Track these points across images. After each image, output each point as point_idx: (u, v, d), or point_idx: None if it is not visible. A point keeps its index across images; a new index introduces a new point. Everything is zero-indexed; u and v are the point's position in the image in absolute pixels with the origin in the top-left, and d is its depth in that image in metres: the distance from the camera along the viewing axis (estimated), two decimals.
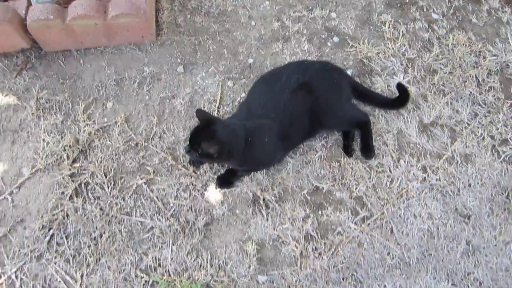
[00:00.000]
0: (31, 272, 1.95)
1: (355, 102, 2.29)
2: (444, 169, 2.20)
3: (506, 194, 2.16)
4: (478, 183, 2.18)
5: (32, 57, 2.42)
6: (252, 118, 1.99)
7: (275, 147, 2.05)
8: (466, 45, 2.53)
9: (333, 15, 2.62)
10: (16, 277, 1.94)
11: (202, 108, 2.28)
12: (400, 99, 2.32)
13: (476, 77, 2.44)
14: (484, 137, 2.28)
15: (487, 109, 2.36)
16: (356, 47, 2.52)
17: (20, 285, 1.92)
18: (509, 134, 2.28)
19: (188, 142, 1.86)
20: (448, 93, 2.39)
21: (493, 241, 2.06)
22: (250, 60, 2.47)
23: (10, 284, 1.93)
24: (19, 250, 1.99)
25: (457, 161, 2.22)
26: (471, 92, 2.39)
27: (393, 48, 2.51)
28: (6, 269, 1.95)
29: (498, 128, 2.30)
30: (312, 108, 2.04)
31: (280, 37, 2.54)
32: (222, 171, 2.15)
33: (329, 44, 2.53)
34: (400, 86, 2.31)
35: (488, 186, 2.17)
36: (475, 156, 2.24)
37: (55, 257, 1.98)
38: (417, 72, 2.44)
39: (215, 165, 2.17)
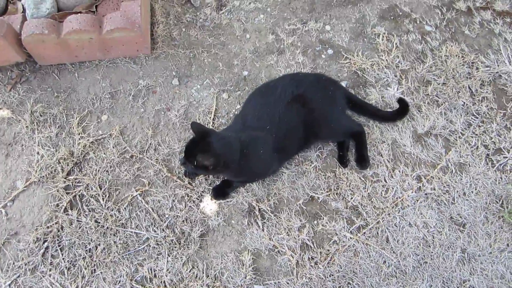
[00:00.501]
0: (26, 285, 2.08)
1: (349, 113, 2.47)
2: (439, 178, 2.36)
3: (501, 202, 2.32)
4: (472, 192, 2.34)
5: (27, 71, 2.59)
6: (248, 130, 2.15)
7: (270, 158, 2.21)
8: (459, 56, 2.73)
9: (327, 27, 2.83)
10: None
11: (197, 121, 2.45)
12: (398, 113, 2.50)
13: (469, 87, 2.63)
14: (478, 147, 2.45)
15: (481, 119, 2.54)
16: (350, 59, 2.71)
17: None
18: (502, 144, 2.46)
19: (183, 155, 2.01)
20: (442, 104, 2.57)
21: (488, 249, 2.21)
22: (245, 73, 2.65)
23: None
24: (13, 263, 2.12)
25: (452, 170, 2.38)
26: (464, 103, 2.58)
27: (387, 60, 2.70)
28: (0, 282, 2.07)
29: (491, 138, 2.48)
30: (307, 119, 2.21)
31: (275, 50, 2.73)
32: (218, 182, 2.30)
33: (323, 56, 2.73)
34: (401, 101, 2.50)
35: (482, 194, 2.33)
36: (469, 165, 2.40)
37: (50, 270, 2.10)
38: (411, 83, 2.63)
39: (211, 176, 2.32)
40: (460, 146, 2.45)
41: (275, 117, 2.14)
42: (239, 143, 2.04)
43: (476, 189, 2.35)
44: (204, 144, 1.95)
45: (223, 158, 1.95)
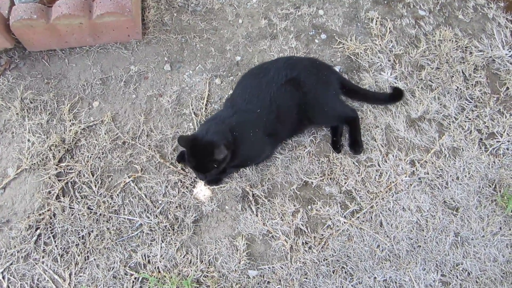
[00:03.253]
0: (19, 272, 2.08)
1: (343, 98, 2.47)
2: (432, 163, 2.38)
3: (494, 186, 2.35)
4: (466, 176, 2.36)
5: (16, 57, 2.56)
6: (237, 113, 2.15)
7: (262, 142, 2.21)
8: (452, 41, 2.74)
9: (321, 12, 2.82)
10: (3, 277, 2.06)
11: (190, 106, 2.45)
12: (392, 96, 2.52)
13: (463, 72, 2.65)
14: (471, 131, 2.47)
15: (474, 104, 2.55)
16: (343, 44, 2.71)
17: (8, 286, 2.04)
18: (496, 128, 2.48)
19: (197, 171, 2.05)
20: (436, 88, 2.58)
21: (481, 232, 2.24)
22: (238, 58, 2.64)
23: None
24: (6, 251, 2.11)
25: (445, 154, 2.40)
26: (458, 87, 2.59)
27: (380, 45, 2.71)
28: None
29: (485, 122, 2.50)
30: (300, 103, 2.21)
31: (268, 35, 2.72)
32: None
33: (316, 41, 2.72)
34: (396, 89, 2.52)
35: (475, 178, 2.36)
36: (463, 150, 2.42)
37: (43, 257, 2.10)
38: (405, 68, 2.63)
39: None
40: (453, 130, 2.47)
41: (266, 100, 2.14)
42: (225, 126, 2.06)
43: (469, 173, 2.37)
44: (205, 145, 1.96)
45: (226, 139, 1.98)
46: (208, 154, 1.94)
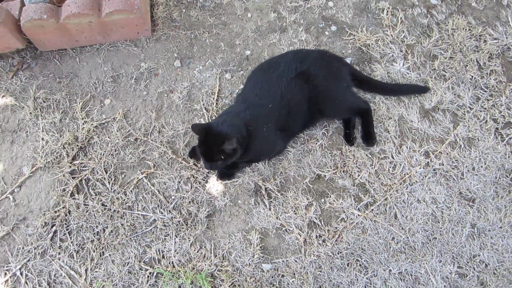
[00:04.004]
0: (36, 268, 2.12)
1: (355, 90, 2.46)
2: (447, 154, 2.36)
3: (511, 176, 2.31)
4: (482, 167, 2.33)
5: (28, 57, 2.60)
6: (249, 108, 2.14)
7: (274, 137, 2.21)
8: (466, 29, 2.70)
9: (330, 4, 2.80)
10: (21, 274, 2.11)
11: (200, 102, 2.46)
12: (408, 86, 2.52)
13: (477, 61, 2.61)
14: (487, 121, 2.44)
15: (489, 93, 2.52)
16: (354, 35, 2.69)
17: (26, 282, 2.09)
18: None
19: (205, 160, 2.03)
20: (449, 78, 2.55)
21: (499, 223, 2.22)
22: (248, 52, 2.64)
23: (15, 281, 2.10)
24: (23, 248, 2.16)
25: (460, 145, 2.38)
26: (472, 76, 2.56)
27: (392, 35, 2.68)
28: (11, 266, 2.12)
29: (501, 111, 2.46)
30: (311, 96, 2.20)
31: (277, 28, 2.71)
32: None
33: (327, 33, 2.71)
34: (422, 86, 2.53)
35: (492, 169, 2.33)
36: (478, 140, 2.39)
37: (59, 253, 2.14)
38: (417, 58, 2.61)
39: None
40: (468, 120, 2.44)
41: (277, 95, 2.13)
42: (241, 120, 2.06)
43: (485, 164, 2.34)
44: (215, 136, 1.95)
45: (240, 134, 1.97)
46: (218, 144, 1.92)
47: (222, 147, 1.92)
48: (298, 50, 2.54)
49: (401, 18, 2.73)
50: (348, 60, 2.57)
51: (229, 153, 1.96)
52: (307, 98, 2.20)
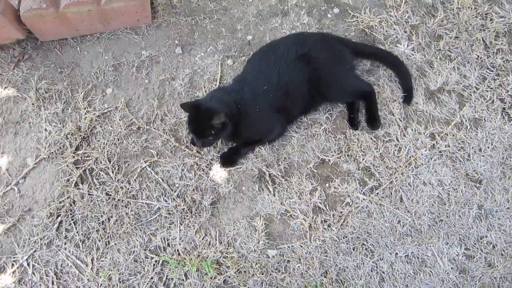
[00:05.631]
0: (43, 259, 2.12)
1: (359, 72, 2.41)
2: (453, 135, 2.31)
3: None
4: (488, 147, 2.28)
5: (29, 48, 2.57)
6: (244, 88, 2.12)
7: (270, 118, 2.17)
8: (471, 8, 2.63)
9: None
10: (28, 264, 2.11)
11: (203, 89, 2.43)
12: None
13: (483, 40, 2.54)
14: (493, 101, 2.38)
15: (496, 72, 2.46)
16: (357, 17, 2.63)
17: (33, 272, 2.09)
18: None
19: (196, 137, 2.03)
20: (455, 58, 2.49)
21: (506, 204, 2.18)
22: (249, 37, 2.59)
23: (22, 272, 2.10)
24: (29, 239, 2.15)
25: (466, 126, 2.33)
26: (478, 56, 2.49)
27: (395, 16, 2.61)
28: (17, 257, 2.12)
29: (507, 91, 2.40)
30: (312, 79, 2.16)
31: (279, 12, 2.66)
32: (226, 150, 2.29)
33: (329, 15, 2.65)
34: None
35: (499, 149, 2.28)
36: (485, 120, 2.34)
37: (65, 243, 2.14)
38: (422, 39, 2.54)
39: (219, 144, 2.30)
40: (474, 101, 2.39)
41: (274, 76, 2.10)
42: (230, 97, 2.06)
43: (492, 144, 2.29)
44: (205, 111, 1.95)
45: (228, 109, 1.97)
46: (207, 120, 1.92)
47: (211, 123, 1.92)
48: (300, 33, 2.49)
49: None
50: None
51: (218, 127, 1.96)
52: (308, 81, 2.16)
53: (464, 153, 2.27)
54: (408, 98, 2.37)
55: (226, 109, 1.96)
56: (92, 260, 2.10)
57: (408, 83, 2.37)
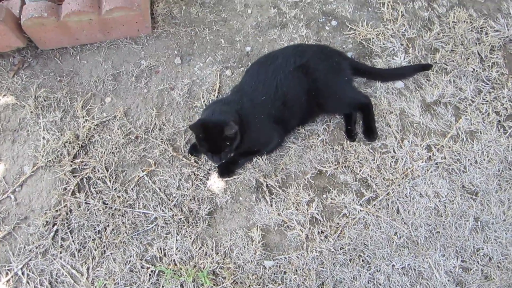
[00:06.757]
0: (37, 267, 2.07)
1: (359, 80, 2.41)
2: (449, 147, 2.29)
3: None
4: (484, 160, 2.27)
5: (29, 56, 2.56)
6: (242, 99, 2.10)
7: (268, 128, 2.16)
8: (467, 22, 2.63)
9: None
10: (23, 273, 2.06)
11: (201, 99, 2.41)
12: (414, 68, 2.48)
13: (478, 53, 2.54)
14: (489, 113, 2.38)
15: (491, 85, 2.45)
16: (355, 30, 2.63)
17: (27, 281, 2.04)
18: None
19: (211, 153, 2.00)
20: (451, 71, 2.48)
21: (502, 216, 2.15)
22: (248, 48, 2.58)
23: (17, 281, 2.05)
24: (24, 247, 2.11)
25: (462, 138, 2.31)
26: (474, 69, 2.49)
27: (392, 29, 2.62)
28: (12, 266, 2.07)
29: (503, 104, 2.40)
30: (310, 90, 2.15)
31: (277, 24, 2.65)
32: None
33: (327, 28, 2.65)
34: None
35: (495, 162, 2.26)
36: (481, 133, 2.33)
37: (61, 252, 2.10)
38: (418, 52, 2.54)
39: None
40: (470, 113, 2.38)
41: (272, 87, 2.09)
42: (231, 108, 2.05)
43: (488, 157, 2.28)
44: (213, 127, 1.92)
45: (233, 117, 1.96)
46: (219, 133, 1.90)
47: (224, 134, 1.90)
48: (298, 44, 2.49)
49: (401, 12, 2.67)
50: (348, 55, 2.51)
51: (232, 137, 1.94)
52: (306, 92, 2.15)
53: (460, 165, 2.25)
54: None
55: (232, 118, 1.94)
56: (88, 269, 2.06)
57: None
